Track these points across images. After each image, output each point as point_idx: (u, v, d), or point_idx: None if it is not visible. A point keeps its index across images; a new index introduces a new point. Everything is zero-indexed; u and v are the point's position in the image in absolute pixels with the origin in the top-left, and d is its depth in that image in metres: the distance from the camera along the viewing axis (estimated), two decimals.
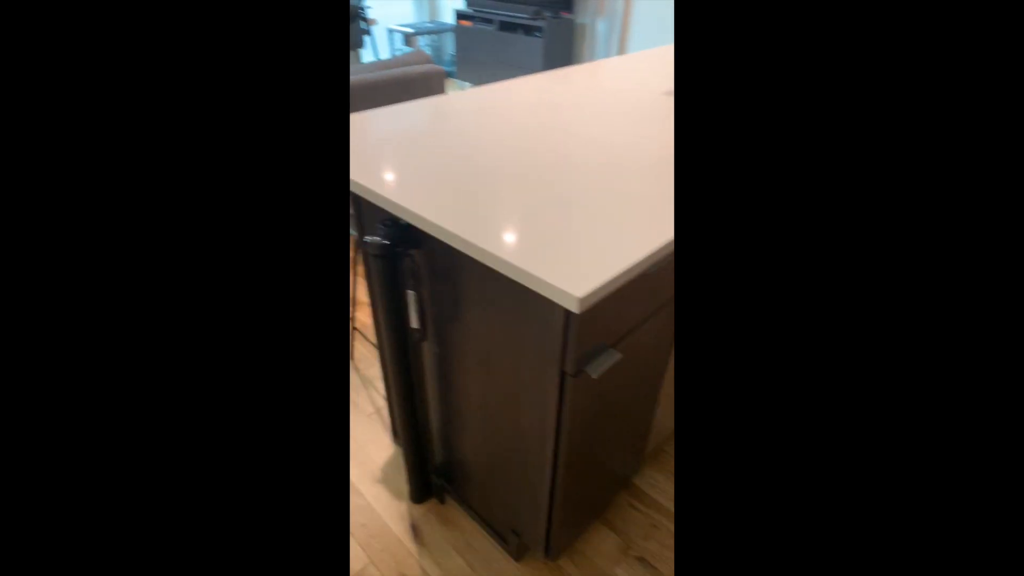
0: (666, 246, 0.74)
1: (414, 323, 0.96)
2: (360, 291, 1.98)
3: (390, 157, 0.97)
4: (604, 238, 0.73)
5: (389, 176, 0.90)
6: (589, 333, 0.74)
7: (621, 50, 3.73)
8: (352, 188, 0.91)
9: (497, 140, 1.06)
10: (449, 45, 4.88)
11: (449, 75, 4.84)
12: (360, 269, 2.15)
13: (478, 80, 4.24)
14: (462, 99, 1.32)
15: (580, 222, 0.77)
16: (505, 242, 0.72)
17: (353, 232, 1.20)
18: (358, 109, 2.06)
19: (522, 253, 0.69)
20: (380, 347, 1.22)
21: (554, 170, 0.93)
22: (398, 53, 4.85)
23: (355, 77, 2.02)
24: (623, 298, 0.78)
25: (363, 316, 1.86)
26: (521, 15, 3.74)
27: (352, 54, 4.41)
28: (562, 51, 3.84)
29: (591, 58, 3.94)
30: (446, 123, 1.15)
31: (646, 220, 0.78)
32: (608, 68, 1.69)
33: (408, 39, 4.55)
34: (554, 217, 0.78)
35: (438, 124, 1.14)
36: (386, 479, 1.33)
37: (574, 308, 0.63)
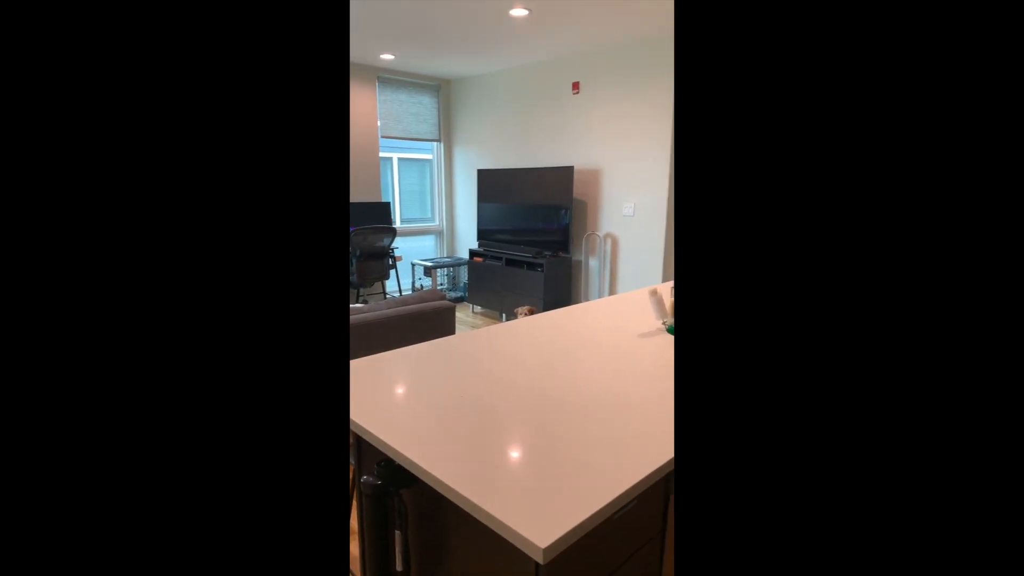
0: (632, 489, 0.81)
1: (398, 565, 0.97)
2: (353, 520, 1.93)
3: (391, 399, 1.11)
4: (577, 484, 0.81)
5: (386, 417, 1.02)
6: None
7: (612, 283, 4.23)
8: (353, 428, 1.03)
9: (488, 383, 1.21)
10: (464, 275, 5.56)
11: (463, 299, 5.39)
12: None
13: (487, 304, 4.72)
14: (463, 342, 1.53)
15: (557, 466, 0.86)
16: (482, 487, 0.80)
17: (352, 462, 1.28)
18: (383, 340, 2.31)
19: (495, 499, 0.77)
20: None
21: (538, 412, 1.06)
22: (419, 281, 5.49)
23: (378, 313, 2.33)
24: (597, 543, 0.82)
25: (354, 548, 1.79)
26: (525, 254, 4.36)
27: (379, 283, 5.03)
28: (561, 283, 4.36)
29: (586, 288, 4.44)
30: (446, 366, 1.32)
31: (613, 464, 0.87)
32: (592, 310, 1.95)
33: (428, 271, 5.22)
34: (535, 461, 0.87)
35: (441, 366, 1.31)
36: None
37: (539, 559, 0.68)
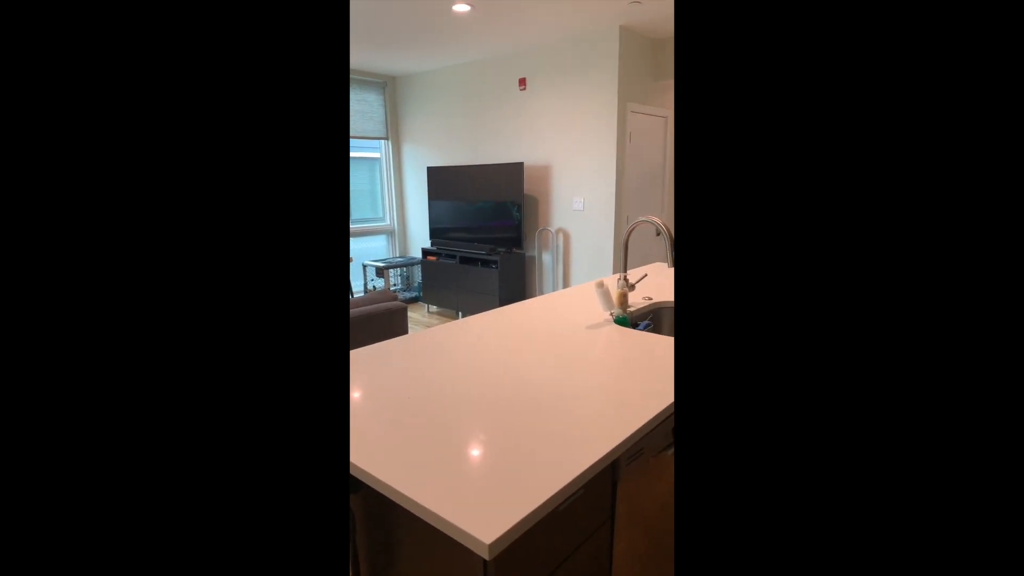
0: (577, 479, 0.83)
1: (349, 573, 0.96)
2: None
3: None
4: (524, 477, 0.82)
5: None
6: (512, 574, 0.77)
7: (566, 277, 4.29)
8: None
9: (438, 383, 1.21)
10: (418, 274, 5.50)
11: (417, 299, 5.32)
12: None
13: (442, 303, 4.69)
14: (413, 342, 1.51)
15: (504, 462, 0.86)
16: (428, 487, 0.79)
17: None
18: None
19: (441, 498, 0.77)
20: None
21: (487, 409, 1.06)
22: (371, 283, 5.39)
23: None
24: (546, 534, 0.83)
25: None
26: (479, 252, 4.35)
27: None
28: (515, 279, 4.38)
29: (540, 283, 4.49)
30: (395, 368, 1.30)
31: (558, 456, 0.88)
32: (543, 305, 1.97)
33: (380, 272, 5.12)
34: (483, 458, 0.87)
35: (387, 369, 1.29)
36: None
37: (485, 555, 0.68)
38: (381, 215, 5.58)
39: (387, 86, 5.17)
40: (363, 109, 5.01)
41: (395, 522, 0.89)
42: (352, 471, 0.88)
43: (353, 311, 2.37)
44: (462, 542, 0.71)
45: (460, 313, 4.67)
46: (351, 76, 4.80)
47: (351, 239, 5.18)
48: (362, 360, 1.36)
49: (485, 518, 0.72)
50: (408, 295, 5.37)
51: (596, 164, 3.91)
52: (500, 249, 4.32)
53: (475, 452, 0.90)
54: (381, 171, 5.50)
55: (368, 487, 0.92)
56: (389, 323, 2.52)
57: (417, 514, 0.77)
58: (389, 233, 5.66)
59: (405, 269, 5.52)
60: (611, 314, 1.74)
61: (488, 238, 4.45)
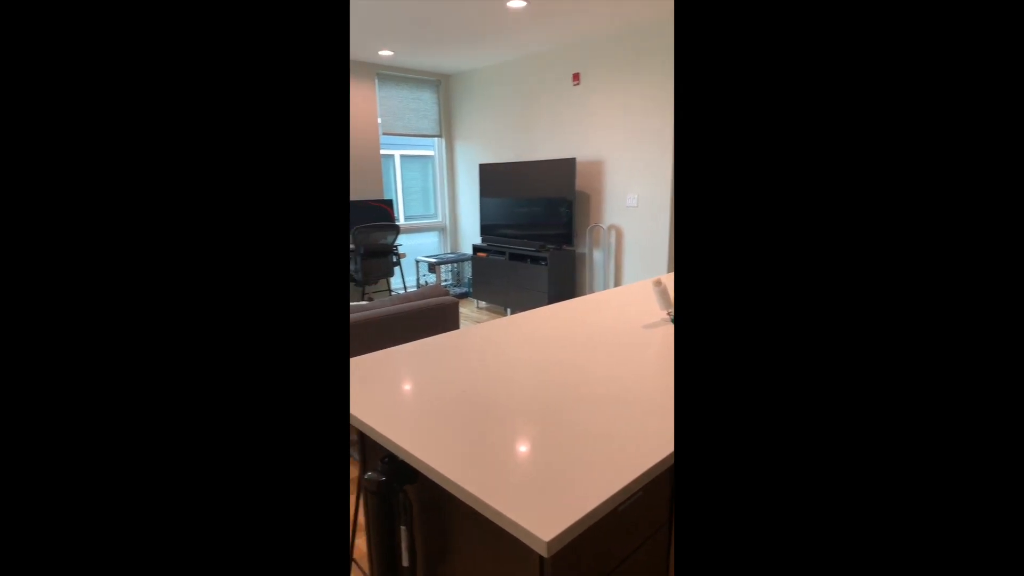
0: (637, 480, 0.80)
1: (404, 560, 0.97)
2: (361, 515, 1.94)
3: (395, 394, 1.11)
4: (581, 476, 0.81)
5: (389, 413, 1.02)
6: (568, 573, 0.76)
7: (617, 275, 4.21)
8: (355, 423, 1.03)
9: (492, 377, 1.21)
10: (468, 270, 5.56)
11: (467, 295, 5.39)
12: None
13: (491, 300, 4.72)
14: (466, 337, 1.52)
15: (561, 459, 0.85)
16: (486, 481, 0.79)
17: (356, 457, 1.28)
18: (387, 337, 2.31)
19: (499, 493, 0.76)
20: None
21: (542, 406, 1.05)
22: (423, 278, 5.50)
23: (382, 310, 2.33)
24: (603, 535, 0.81)
25: (362, 543, 1.80)
26: (529, 248, 4.34)
27: (384, 281, 5.03)
28: (565, 276, 4.34)
29: (591, 281, 4.43)
30: (449, 361, 1.32)
31: (617, 456, 0.86)
32: (596, 302, 1.94)
33: (432, 267, 5.22)
34: (539, 455, 0.87)
35: (444, 361, 1.31)
36: None
37: (543, 551, 0.67)
38: (433, 212, 5.67)
39: (441, 84, 5.25)
40: (417, 107, 5.10)
41: (451, 514, 0.89)
42: (409, 460, 0.89)
43: (406, 305, 2.42)
44: (520, 538, 0.70)
45: (508, 310, 4.68)
46: (406, 75, 4.90)
47: (404, 235, 5.30)
48: (416, 353, 1.38)
49: (542, 515, 0.71)
50: (458, 291, 5.44)
51: (651, 159, 3.81)
52: (550, 246, 4.29)
53: (531, 448, 0.89)
54: (434, 169, 5.59)
55: (424, 476, 0.93)
56: (441, 317, 2.55)
57: (475, 507, 0.77)
58: (441, 230, 5.75)
59: (456, 265, 5.59)
60: (668, 313, 1.69)
61: (538, 235, 4.43)
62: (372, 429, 0.98)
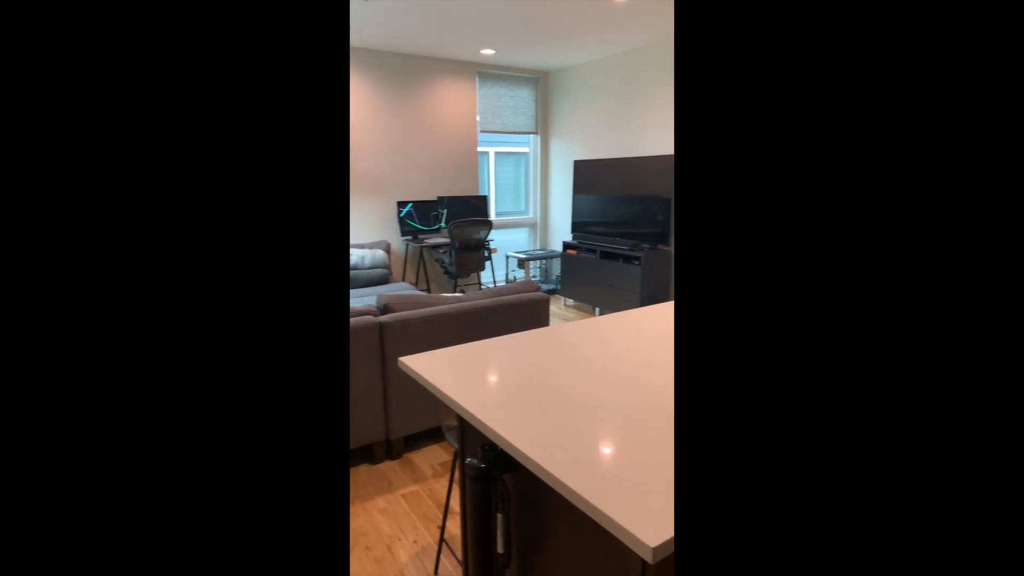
0: None
1: (500, 548, 1.00)
2: (454, 500, 2.02)
3: (494, 385, 1.14)
4: None
5: (490, 403, 1.05)
6: None
7: None
8: (456, 409, 1.06)
9: (590, 376, 1.20)
10: (556, 267, 5.56)
11: (555, 292, 5.39)
12: (457, 482, 2.22)
13: (580, 298, 4.68)
14: (561, 333, 1.52)
15: (664, 464, 0.83)
16: (588, 479, 0.79)
17: (455, 444, 1.33)
18: (478, 329, 2.38)
19: (603, 492, 0.76)
20: (465, 567, 1.23)
21: (643, 408, 1.03)
22: (512, 273, 5.58)
23: (476, 302, 2.39)
24: None
25: (452, 527, 1.87)
26: (622, 247, 4.25)
27: (475, 275, 5.18)
28: (660, 277, 4.19)
29: None
30: (546, 356, 1.33)
31: None
32: None
33: (521, 263, 5.28)
34: (641, 457, 0.85)
35: (541, 356, 1.32)
36: None
37: (648, 558, 0.66)
38: (524, 209, 5.73)
39: (539, 81, 5.27)
40: (515, 105, 5.17)
41: (548, 507, 0.90)
42: (509, 450, 0.91)
43: (498, 299, 2.47)
44: (624, 540, 0.69)
45: (598, 309, 4.61)
46: (505, 73, 4.98)
47: (494, 231, 5.41)
48: (513, 346, 1.40)
49: (647, 520, 0.70)
50: (546, 288, 5.46)
51: None
52: (644, 245, 4.17)
53: (636, 451, 0.87)
54: (528, 165, 5.64)
55: (523, 468, 0.94)
56: (531, 313, 2.58)
57: (577, 504, 0.77)
58: (531, 226, 5.80)
59: (544, 262, 5.61)
60: None
61: (632, 233, 4.32)
62: (474, 416, 1.01)
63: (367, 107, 4.32)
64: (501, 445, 0.93)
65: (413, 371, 1.23)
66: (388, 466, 2.22)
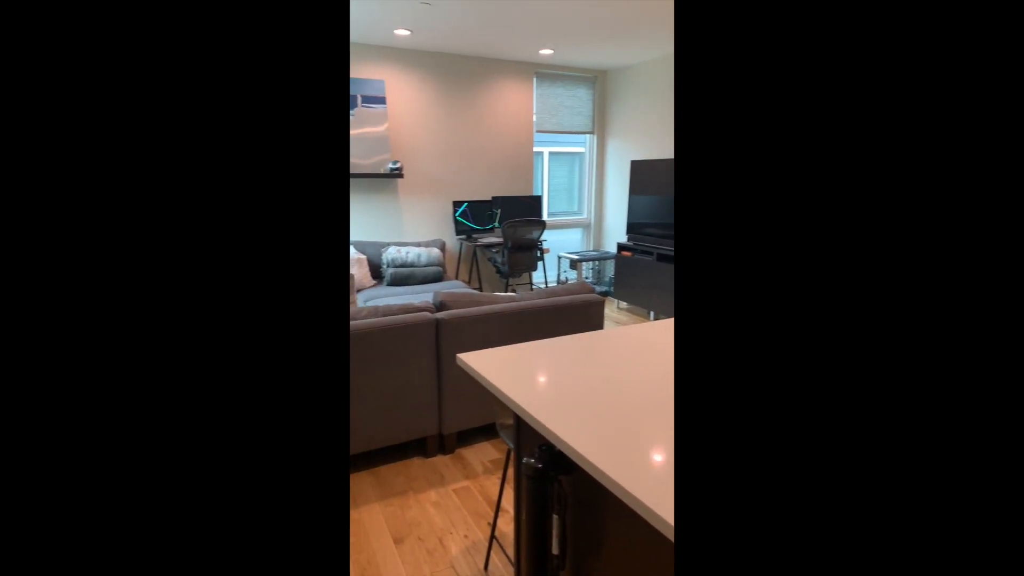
0: None
1: (555, 549, 1.00)
2: (505, 499, 2.04)
3: (551, 385, 1.14)
4: None
5: (548, 403, 1.05)
6: None
7: None
8: (513, 408, 1.07)
9: (649, 381, 1.18)
10: (610, 269, 5.48)
11: (608, 294, 5.32)
12: (509, 480, 2.23)
13: (633, 300, 4.59)
14: (619, 337, 1.50)
15: None
16: (646, 483, 0.78)
17: (510, 443, 1.34)
18: (531, 329, 2.39)
19: (660, 497, 0.74)
20: (517, 566, 1.24)
21: None
22: (563, 274, 5.55)
23: (530, 302, 2.40)
24: None
25: (503, 524, 1.88)
26: None
27: (527, 275, 5.19)
28: None
29: None
30: (603, 359, 1.31)
31: None
32: None
33: (574, 264, 5.24)
34: None
35: (597, 359, 1.31)
36: None
37: None
38: (577, 209, 5.69)
39: (597, 80, 5.22)
40: (572, 104, 5.14)
41: (605, 510, 0.89)
42: (566, 451, 0.91)
43: (552, 299, 2.47)
44: None
45: (652, 313, 4.51)
46: (563, 73, 4.97)
47: (548, 231, 5.40)
48: (571, 347, 1.40)
49: None
50: (598, 290, 5.40)
51: None
52: None
53: None
54: (583, 165, 5.60)
55: (580, 470, 0.94)
56: (586, 315, 2.56)
57: (635, 509, 0.76)
58: (585, 227, 5.75)
59: (597, 263, 5.55)
60: None
61: None
62: (531, 416, 1.02)
63: (426, 109, 4.42)
64: (558, 446, 0.93)
65: (472, 368, 1.25)
66: (440, 460, 2.27)
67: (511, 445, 1.29)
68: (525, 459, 0.99)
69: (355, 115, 4.04)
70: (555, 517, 1.00)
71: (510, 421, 1.38)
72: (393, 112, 4.28)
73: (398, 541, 1.77)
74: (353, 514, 1.90)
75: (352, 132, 4.03)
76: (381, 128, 4.13)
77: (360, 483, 2.09)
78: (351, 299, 2.42)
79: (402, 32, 3.71)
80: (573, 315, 2.51)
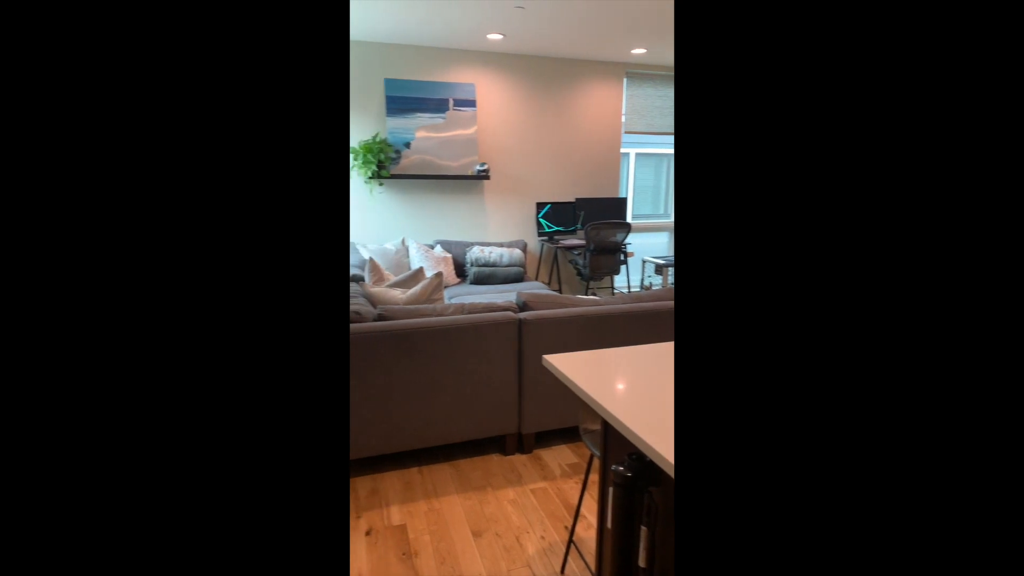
0: None
1: (642, 562, 0.97)
2: (585, 507, 2.01)
3: (641, 393, 1.10)
4: None
5: (637, 410, 1.02)
6: None
7: None
8: (602, 413, 1.05)
9: None
10: None
11: None
12: (588, 486, 2.20)
13: None
14: None
15: None
16: None
17: (594, 449, 1.32)
18: (613, 334, 2.35)
19: None
20: (599, 575, 1.21)
21: None
22: (648, 279, 5.40)
23: (613, 307, 2.36)
24: None
25: (581, 530, 1.86)
26: None
27: (609, 278, 5.10)
28: None
29: None
30: None
31: None
32: None
33: (659, 269, 5.08)
34: None
35: None
36: None
37: None
38: (663, 212, 5.50)
39: None
40: (662, 104, 4.98)
41: None
42: (659, 462, 0.88)
43: (635, 305, 2.40)
44: None
45: None
46: (655, 72, 4.82)
47: (632, 234, 5.27)
48: (657, 355, 1.35)
49: None
50: None
51: None
52: None
53: None
54: (671, 167, 5.41)
55: (670, 482, 0.90)
56: (671, 323, 2.46)
57: None
58: (670, 230, 5.55)
59: None
60: None
61: None
62: (621, 423, 0.99)
63: (514, 111, 4.48)
64: (650, 455, 0.90)
65: (558, 370, 1.25)
66: (518, 459, 2.28)
67: (595, 451, 1.27)
68: (614, 466, 0.97)
69: (446, 118, 4.18)
70: (644, 529, 0.97)
71: (596, 426, 1.36)
72: (482, 114, 4.38)
73: (476, 535, 1.80)
74: (434, 504, 1.97)
75: (443, 134, 4.17)
76: (470, 131, 4.24)
77: (440, 474, 2.16)
78: (438, 296, 2.51)
79: (495, 36, 3.78)
80: (659, 322, 2.43)
